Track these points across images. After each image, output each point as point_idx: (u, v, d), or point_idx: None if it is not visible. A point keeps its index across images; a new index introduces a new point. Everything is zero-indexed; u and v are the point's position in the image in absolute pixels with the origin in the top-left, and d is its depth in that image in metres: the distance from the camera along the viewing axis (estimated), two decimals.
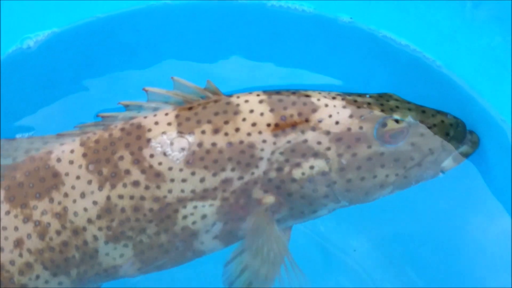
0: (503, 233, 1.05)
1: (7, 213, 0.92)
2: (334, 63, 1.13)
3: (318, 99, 0.94)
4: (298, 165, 0.92)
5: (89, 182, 0.91)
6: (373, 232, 1.16)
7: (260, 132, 0.91)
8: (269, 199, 0.92)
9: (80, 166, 0.92)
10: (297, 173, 0.92)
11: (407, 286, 1.12)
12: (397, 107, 0.95)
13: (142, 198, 0.91)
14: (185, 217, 0.92)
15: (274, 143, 0.91)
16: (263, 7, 1.10)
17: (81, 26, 1.09)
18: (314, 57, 1.14)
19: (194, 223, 0.92)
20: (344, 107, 0.93)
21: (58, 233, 0.92)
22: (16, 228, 0.92)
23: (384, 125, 0.92)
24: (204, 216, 0.92)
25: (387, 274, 1.14)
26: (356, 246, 1.16)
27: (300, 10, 1.09)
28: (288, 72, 1.14)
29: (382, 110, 0.94)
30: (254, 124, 0.91)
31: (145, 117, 0.93)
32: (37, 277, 0.93)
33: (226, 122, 0.92)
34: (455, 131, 0.96)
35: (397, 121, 0.93)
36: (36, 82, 1.11)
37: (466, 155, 0.98)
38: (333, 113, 0.93)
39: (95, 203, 0.91)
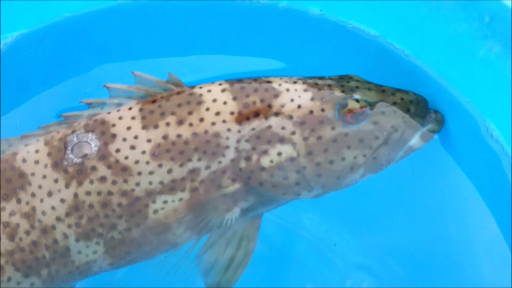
0: (480, 220, 1.06)
1: None
2: (306, 56, 1.14)
3: (280, 84, 0.94)
4: (265, 152, 0.92)
5: (56, 180, 0.91)
6: (355, 225, 1.17)
7: (224, 121, 0.92)
8: (234, 186, 0.92)
9: (45, 165, 0.92)
10: (265, 161, 0.92)
11: (390, 277, 1.13)
12: (357, 87, 0.95)
13: (110, 193, 0.91)
14: (155, 211, 0.92)
15: (239, 131, 0.92)
16: (233, 2, 1.11)
17: (50, 26, 1.08)
18: (285, 50, 1.15)
19: (166, 217, 0.92)
20: (305, 90, 0.94)
21: (27, 233, 0.91)
22: None
23: (345, 105, 0.93)
24: (175, 210, 0.92)
25: (369, 265, 1.15)
26: (338, 240, 1.16)
27: (269, 4, 1.10)
28: (260, 66, 1.15)
29: (343, 91, 0.94)
30: (217, 113, 0.92)
31: (109, 113, 0.93)
32: (9, 279, 0.93)
33: (190, 113, 0.92)
34: (416, 107, 0.97)
35: (357, 101, 0.94)
36: (6, 85, 1.10)
37: (432, 133, 0.99)
38: (295, 97, 0.93)
39: (62, 201, 0.91)
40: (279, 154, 0.92)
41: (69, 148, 0.92)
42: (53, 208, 0.91)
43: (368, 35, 1.08)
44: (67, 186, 0.91)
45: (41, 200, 0.91)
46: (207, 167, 0.91)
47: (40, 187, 0.91)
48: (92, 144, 0.92)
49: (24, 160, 0.92)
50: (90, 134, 0.92)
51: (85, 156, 0.91)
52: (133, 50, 1.14)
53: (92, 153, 0.91)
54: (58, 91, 1.13)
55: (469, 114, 1.02)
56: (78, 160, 0.91)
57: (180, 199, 0.92)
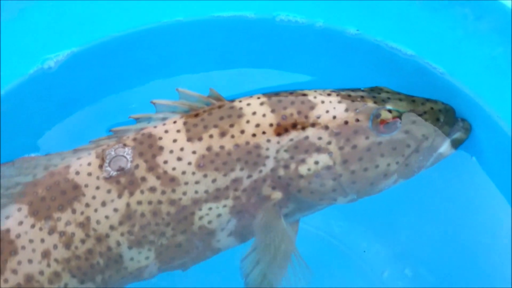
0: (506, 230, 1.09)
1: (32, 226, 0.97)
2: (342, 75, 1.16)
3: (315, 97, 1.00)
4: (303, 161, 0.97)
5: (109, 191, 0.97)
6: (385, 232, 1.19)
7: (264, 132, 0.97)
8: (277, 194, 0.97)
9: (98, 177, 0.97)
10: (303, 169, 0.97)
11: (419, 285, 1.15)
12: (388, 98, 1.00)
13: (159, 202, 0.96)
14: (201, 217, 0.97)
15: (278, 142, 0.97)
16: (271, 22, 1.14)
17: (99, 45, 1.13)
18: (322, 69, 1.17)
19: (210, 222, 0.98)
20: (339, 102, 0.99)
21: (83, 241, 0.97)
22: (42, 240, 0.97)
23: (378, 116, 0.98)
24: (219, 215, 0.98)
25: (399, 272, 1.17)
26: (367, 247, 1.19)
27: (307, 24, 1.12)
28: (297, 84, 1.17)
29: (375, 102, 0.99)
30: (257, 125, 0.97)
31: (155, 127, 0.99)
32: (66, 285, 0.98)
33: (232, 125, 0.97)
34: (445, 116, 1.02)
35: (389, 111, 0.98)
36: (56, 101, 1.15)
37: (460, 141, 1.03)
38: (330, 108, 0.98)
39: (115, 210, 0.96)
40: (316, 162, 0.97)
41: (107, 161, 0.97)
42: (106, 217, 0.96)
43: (405, 54, 1.10)
44: (119, 196, 0.96)
45: (95, 210, 0.96)
46: (249, 176, 0.97)
47: (94, 197, 0.97)
48: (128, 157, 0.97)
49: (77, 173, 0.98)
50: (126, 149, 0.98)
51: (121, 169, 0.96)
52: (175, 67, 1.17)
53: (128, 167, 0.96)
54: (105, 106, 1.17)
55: (503, 132, 1.05)
56: (114, 173, 0.96)
57: (224, 207, 0.97)
